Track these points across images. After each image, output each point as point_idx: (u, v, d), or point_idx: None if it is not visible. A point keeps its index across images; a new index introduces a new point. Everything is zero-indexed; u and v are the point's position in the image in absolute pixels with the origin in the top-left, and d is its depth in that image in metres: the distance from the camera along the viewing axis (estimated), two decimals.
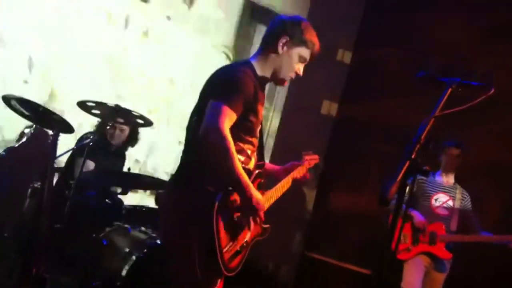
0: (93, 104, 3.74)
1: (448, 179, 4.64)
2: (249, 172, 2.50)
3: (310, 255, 5.86)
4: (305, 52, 2.58)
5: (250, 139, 2.52)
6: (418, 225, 4.40)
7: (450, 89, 1.88)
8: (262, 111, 2.61)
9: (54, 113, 3.48)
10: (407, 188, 1.50)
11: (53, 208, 3.45)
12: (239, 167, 2.30)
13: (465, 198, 4.60)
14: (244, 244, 2.49)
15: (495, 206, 5.00)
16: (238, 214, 2.39)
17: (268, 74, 2.58)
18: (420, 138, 1.59)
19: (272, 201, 2.74)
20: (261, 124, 2.66)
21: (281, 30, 2.56)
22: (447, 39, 5.63)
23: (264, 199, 2.59)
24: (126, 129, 4.46)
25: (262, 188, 2.66)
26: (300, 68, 2.62)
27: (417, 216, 4.44)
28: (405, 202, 1.62)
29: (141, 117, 3.88)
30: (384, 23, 6.15)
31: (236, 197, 2.36)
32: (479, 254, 4.60)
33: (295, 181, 2.97)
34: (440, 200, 4.56)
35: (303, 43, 2.56)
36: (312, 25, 2.65)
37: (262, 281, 5.72)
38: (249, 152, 2.51)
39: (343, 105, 6.37)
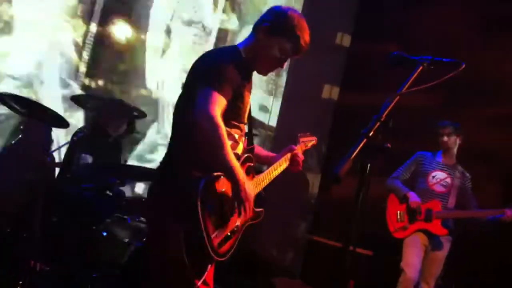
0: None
1: (448, 159, 4.64)
2: (237, 157, 2.48)
3: (315, 239, 5.88)
4: (285, 43, 2.50)
5: (237, 124, 2.51)
6: (413, 205, 4.43)
7: (421, 67, 1.87)
8: (249, 97, 2.59)
9: (48, 109, 3.53)
10: (368, 166, 1.49)
11: (51, 201, 3.51)
12: (231, 155, 2.29)
13: (466, 177, 4.60)
14: (235, 229, 2.47)
15: (488, 192, 4.97)
16: (226, 199, 2.37)
17: (251, 60, 2.53)
18: (381, 115, 1.58)
19: (263, 184, 2.71)
20: (250, 109, 2.65)
21: (267, 17, 2.53)
22: (446, 22, 5.62)
23: (254, 183, 2.60)
24: (125, 121, 4.46)
25: (252, 172, 2.65)
26: (282, 59, 2.55)
27: (412, 197, 4.47)
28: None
29: (136, 109, 3.95)
30: (384, 7, 6.09)
31: (222, 182, 2.35)
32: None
33: (293, 168, 2.92)
34: (438, 177, 4.56)
35: (284, 33, 2.49)
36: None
37: (267, 267, 5.75)
38: (236, 136, 2.51)
39: (345, 89, 6.33)
